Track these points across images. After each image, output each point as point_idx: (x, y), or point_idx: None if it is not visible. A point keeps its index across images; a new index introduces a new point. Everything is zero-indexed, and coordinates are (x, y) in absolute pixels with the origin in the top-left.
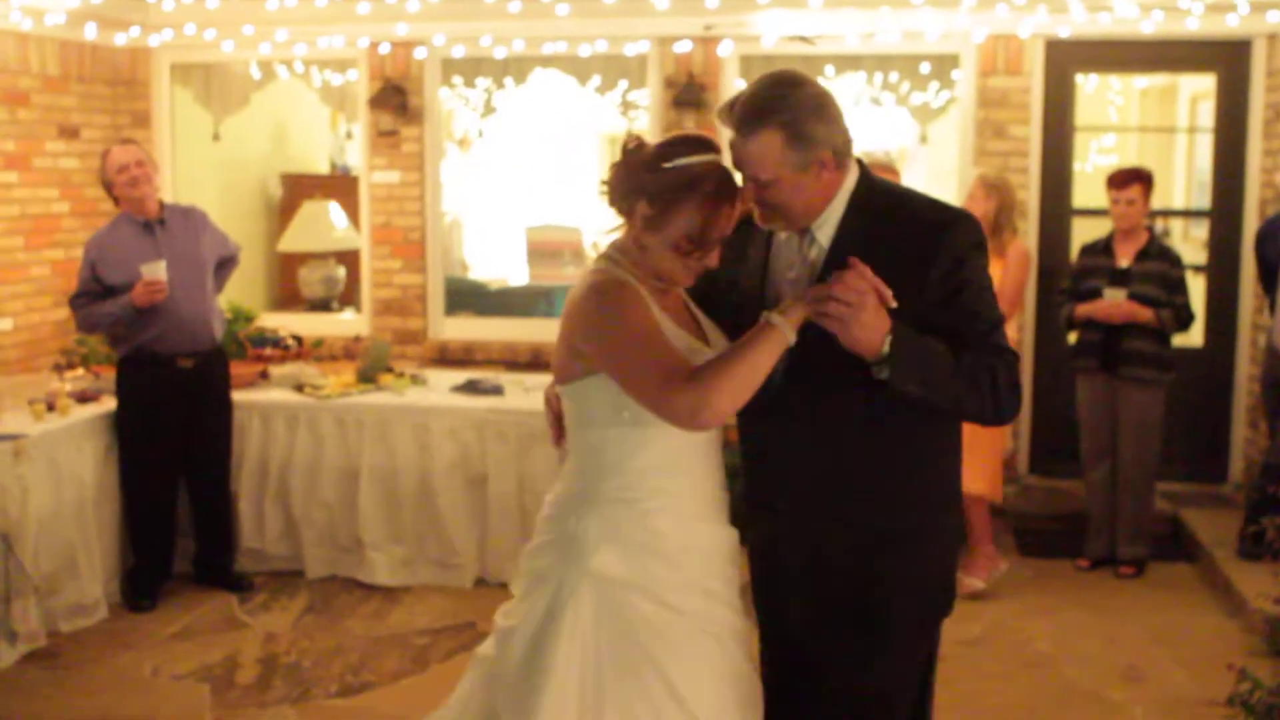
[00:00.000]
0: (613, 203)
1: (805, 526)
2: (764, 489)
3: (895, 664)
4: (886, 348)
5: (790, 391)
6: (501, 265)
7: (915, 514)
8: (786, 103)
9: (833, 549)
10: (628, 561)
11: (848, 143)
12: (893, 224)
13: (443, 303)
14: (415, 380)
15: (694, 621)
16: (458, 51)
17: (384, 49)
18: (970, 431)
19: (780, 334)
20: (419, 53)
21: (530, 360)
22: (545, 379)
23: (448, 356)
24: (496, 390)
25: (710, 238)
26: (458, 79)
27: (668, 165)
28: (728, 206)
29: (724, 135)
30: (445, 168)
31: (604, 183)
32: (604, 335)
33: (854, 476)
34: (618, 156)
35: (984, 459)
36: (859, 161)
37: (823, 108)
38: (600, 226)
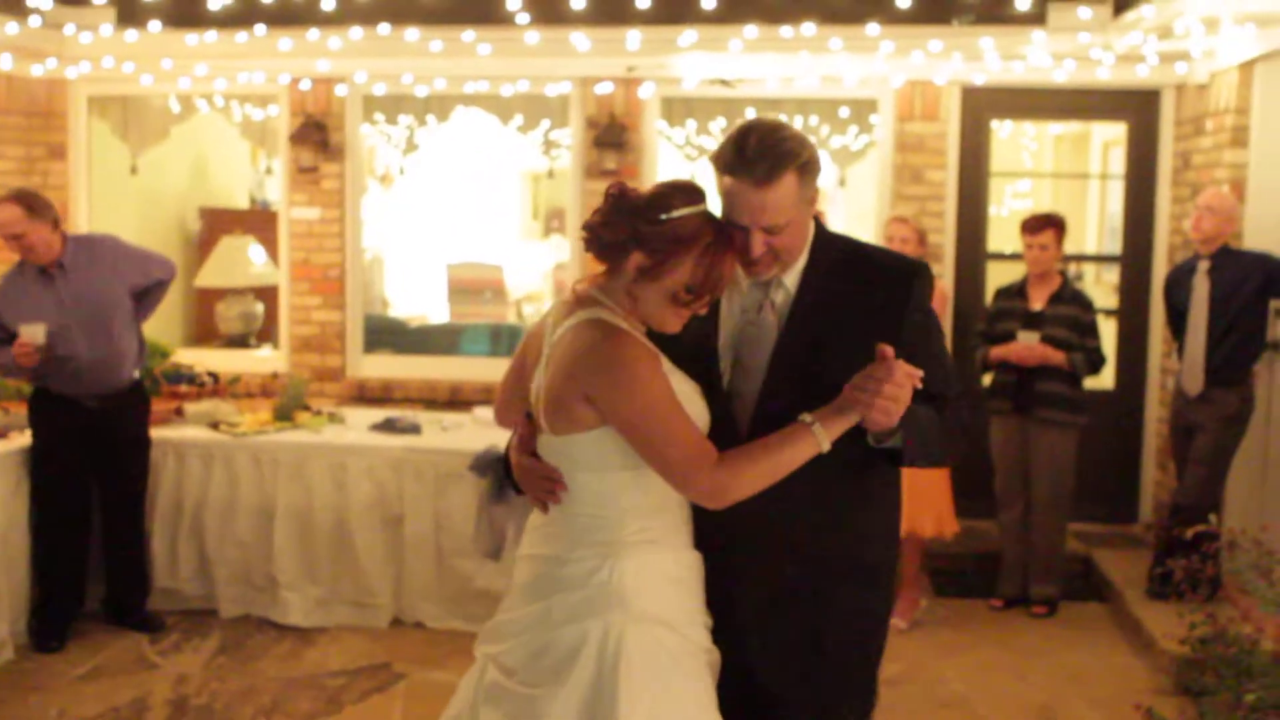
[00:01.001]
0: (596, 249)
1: (759, 560)
2: (715, 522)
3: (853, 693)
4: (896, 421)
5: (753, 434)
6: (423, 302)
7: (864, 548)
8: (797, 143)
9: (787, 582)
10: (661, 600)
11: None
12: (858, 270)
13: (361, 340)
14: (332, 418)
15: (700, 651)
16: (379, 89)
17: (305, 85)
18: (910, 475)
19: (816, 443)
20: (340, 89)
21: (449, 398)
22: (463, 417)
23: (366, 394)
24: (414, 429)
25: (710, 288)
26: (380, 115)
27: (666, 216)
28: (731, 255)
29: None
30: (367, 204)
31: (588, 228)
32: (623, 397)
33: (809, 512)
34: (601, 203)
35: (930, 501)
36: None
37: (812, 142)
38: (529, 265)
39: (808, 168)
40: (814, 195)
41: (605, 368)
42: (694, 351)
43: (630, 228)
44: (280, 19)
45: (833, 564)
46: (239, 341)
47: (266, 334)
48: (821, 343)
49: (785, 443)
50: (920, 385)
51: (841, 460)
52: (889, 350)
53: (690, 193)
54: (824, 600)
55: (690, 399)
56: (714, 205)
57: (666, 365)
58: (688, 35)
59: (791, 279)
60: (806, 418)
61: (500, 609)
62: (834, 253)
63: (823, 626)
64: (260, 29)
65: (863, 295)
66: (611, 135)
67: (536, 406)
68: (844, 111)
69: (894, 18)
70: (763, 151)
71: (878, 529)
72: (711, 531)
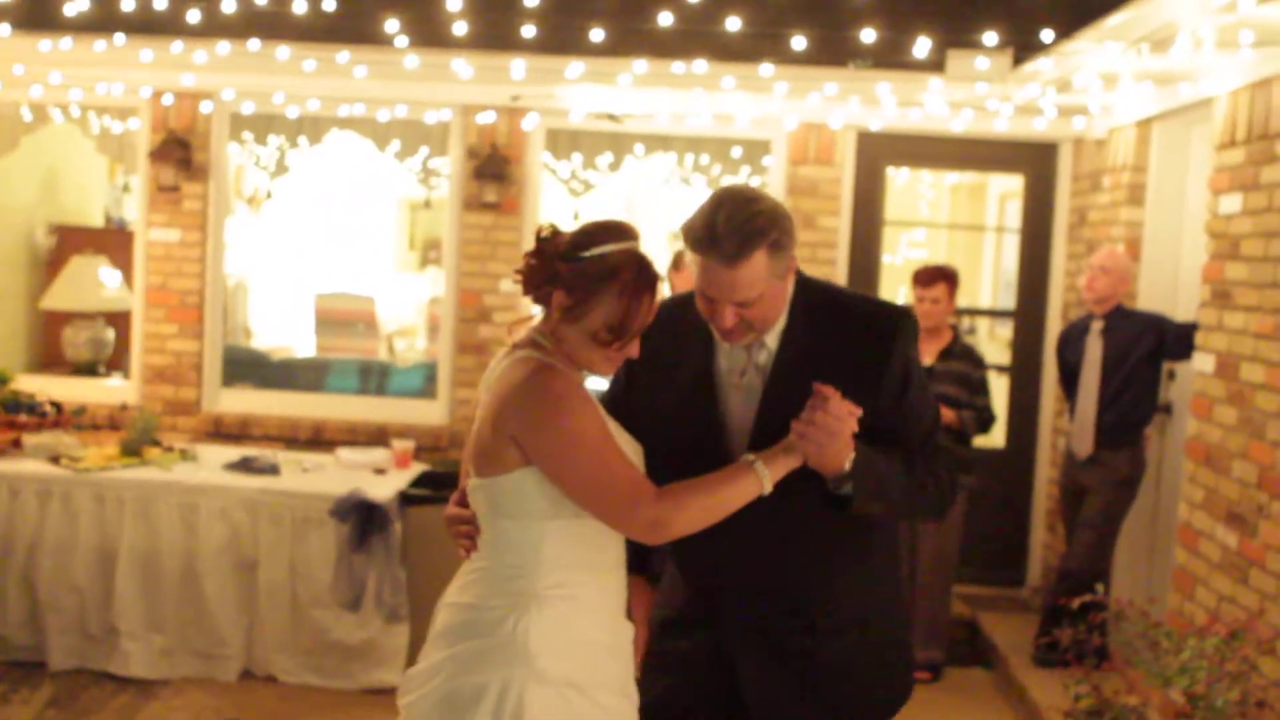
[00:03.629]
0: (528, 292)
1: (758, 618)
2: (705, 580)
3: None
4: (848, 466)
5: None
6: (288, 333)
7: (865, 602)
8: (767, 219)
9: (787, 639)
10: (573, 661)
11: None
12: (838, 325)
13: (220, 372)
14: (184, 455)
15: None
16: (248, 107)
17: (168, 100)
18: None
19: (757, 481)
20: (205, 106)
21: (312, 437)
22: (326, 458)
23: (223, 430)
24: (272, 469)
25: (630, 328)
26: (248, 134)
27: (584, 255)
28: (648, 295)
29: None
30: (233, 227)
31: (519, 272)
32: (550, 432)
33: (805, 567)
34: (533, 244)
35: None
36: None
37: (786, 213)
38: (404, 297)
39: (779, 244)
40: (789, 263)
41: (532, 404)
42: (686, 402)
43: (551, 268)
44: (142, 29)
45: (823, 617)
46: (87, 369)
47: (117, 362)
48: (804, 400)
49: (726, 480)
50: (856, 429)
51: (817, 509)
52: (826, 388)
53: (613, 231)
54: (821, 654)
55: (629, 452)
56: (648, 245)
57: (608, 422)
58: (575, 67)
59: (773, 338)
60: (749, 456)
61: (419, 658)
62: (815, 307)
63: (820, 680)
64: (120, 38)
65: (845, 348)
66: (493, 166)
67: (467, 450)
68: (737, 151)
69: (788, 58)
70: (732, 229)
71: (866, 581)
72: (701, 580)
